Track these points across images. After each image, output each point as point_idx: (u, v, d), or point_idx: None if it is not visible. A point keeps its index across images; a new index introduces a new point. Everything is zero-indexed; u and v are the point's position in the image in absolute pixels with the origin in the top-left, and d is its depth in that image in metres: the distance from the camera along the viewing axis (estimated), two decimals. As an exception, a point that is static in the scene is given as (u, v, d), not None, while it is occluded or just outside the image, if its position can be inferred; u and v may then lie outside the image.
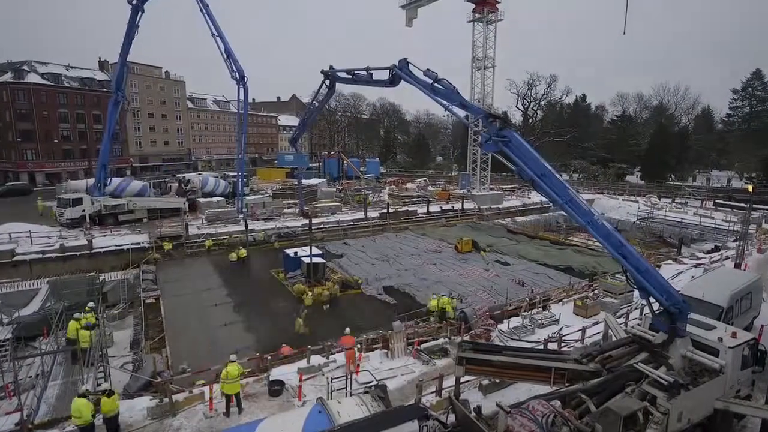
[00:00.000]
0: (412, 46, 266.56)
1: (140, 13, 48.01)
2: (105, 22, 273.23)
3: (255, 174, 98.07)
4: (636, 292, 28.01)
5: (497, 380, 18.37)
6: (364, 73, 25.26)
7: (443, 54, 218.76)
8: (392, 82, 22.24)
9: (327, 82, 36.44)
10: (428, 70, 18.89)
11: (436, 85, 18.58)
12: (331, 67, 34.01)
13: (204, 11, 51.00)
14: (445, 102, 18.52)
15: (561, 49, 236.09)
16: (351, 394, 17.26)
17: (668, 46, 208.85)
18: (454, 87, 18.22)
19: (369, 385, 17.66)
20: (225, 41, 51.92)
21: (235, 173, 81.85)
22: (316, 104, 43.22)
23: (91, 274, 35.69)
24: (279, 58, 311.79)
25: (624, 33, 53.51)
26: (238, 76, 53.26)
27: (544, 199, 64.32)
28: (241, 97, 54.39)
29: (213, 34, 51.53)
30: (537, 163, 15.58)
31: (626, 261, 15.30)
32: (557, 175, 15.70)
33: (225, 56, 52.49)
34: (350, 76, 28.02)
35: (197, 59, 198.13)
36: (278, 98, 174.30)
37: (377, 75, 24.52)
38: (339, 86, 57.76)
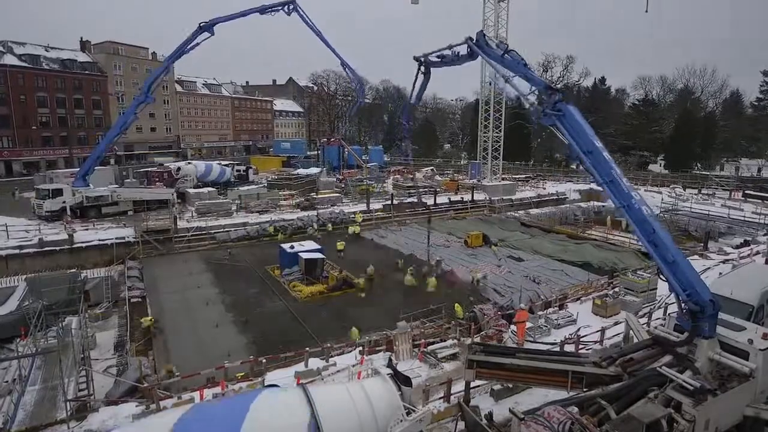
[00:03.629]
0: (416, 23, 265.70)
1: (208, 35, 50.27)
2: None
3: (249, 162, 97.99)
4: (659, 290, 28.19)
5: (510, 385, 18.32)
6: (449, 52, 25.89)
7: (452, 32, 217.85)
8: (471, 55, 23.62)
9: (422, 68, 37.83)
10: (501, 42, 21.16)
11: (505, 56, 19.92)
12: (424, 55, 36.14)
13: (317, 33, 58.92)
14: (509, 73, 19.75)
15: (578, 28, 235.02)
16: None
17: (693, 25, 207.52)
18: (522, 59, 19.46)
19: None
20: (340, 57, 62.36)
21: (228, 162, 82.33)
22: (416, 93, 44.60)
23: (72, 270, 35.64)
24: (275, 37, 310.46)
25: (647, 11, 53.16)
26: (355, 85, 68.90)
27: (559, 189, 64.02)
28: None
29: (331, 49, 61.03)
30: (585, 139, 16.66)
31: (655, 250, 15.47)
32: (604, 154, 16.52)
33: (343, 68, 64.46)
34: (439, 59, 28.54)
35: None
36: (274, 81, 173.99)
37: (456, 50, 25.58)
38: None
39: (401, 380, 13.63)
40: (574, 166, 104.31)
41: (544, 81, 18.78)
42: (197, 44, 50.61)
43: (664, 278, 15.90)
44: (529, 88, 18.68)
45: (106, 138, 53.09)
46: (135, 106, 51.93)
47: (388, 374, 13.57)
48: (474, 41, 22.62)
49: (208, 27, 50.02)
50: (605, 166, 16.40)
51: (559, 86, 20.18)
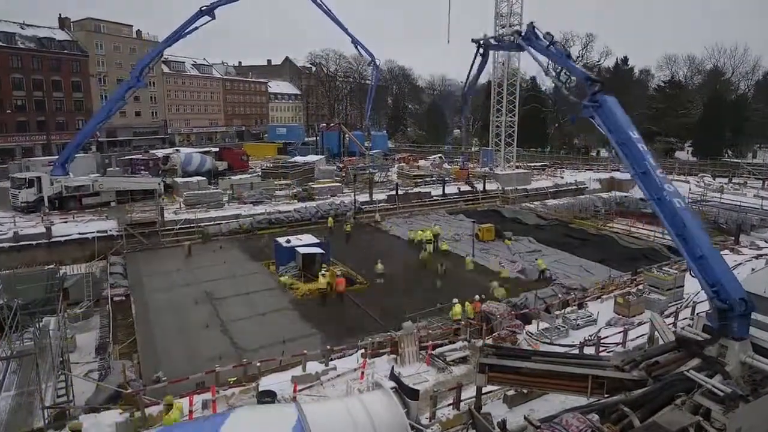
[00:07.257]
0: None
1: (209, 19, 51.19)
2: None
3: (242, 149, 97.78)
4: (686, 288, 28.11)
5: (525, 390, 18.27)
6: (509, 36, 29.04)
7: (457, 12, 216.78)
8: (519, 46, 26.10)
9: (480, 50, 41.04)
10: (547, 33, 22.88)
11: (551, 47, 22.52)
12: (485, 35, 38.39)
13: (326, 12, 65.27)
14: (551, 63, 23.46)
15: (598, 3, 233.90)
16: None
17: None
18: (566, 50, 22.98)
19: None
20: (350, 33, 69.84)
21: (219, 150, 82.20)
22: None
23: (50, 266, 35.61)
24: (270, 13, 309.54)
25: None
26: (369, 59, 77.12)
27: (578, 179, 63.88)
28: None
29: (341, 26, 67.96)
30: (620, 131, 18.53)
31: (684, 245, 16.12)
32: (639, 145, 18.16)
33: (355, 46, 73.07)
34: (497, 43, 34.88)
35: (174, 16, 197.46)
36: (269, 61, 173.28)
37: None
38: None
39: (406, 393, 13.41)
40: (594, 154, 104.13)
41: (585, 72, 20.70)
42: (196, 28, 51.31)
43: (694, 275, 16.00)
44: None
45: (90, 124, 53.16)
46: (124, 90, 51.93)
47: (391, 388, 13.31)
48: (522, 35, 24.97)
49: (208, 11, 50.75)
50: (639, 157, 17.84)
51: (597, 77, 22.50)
